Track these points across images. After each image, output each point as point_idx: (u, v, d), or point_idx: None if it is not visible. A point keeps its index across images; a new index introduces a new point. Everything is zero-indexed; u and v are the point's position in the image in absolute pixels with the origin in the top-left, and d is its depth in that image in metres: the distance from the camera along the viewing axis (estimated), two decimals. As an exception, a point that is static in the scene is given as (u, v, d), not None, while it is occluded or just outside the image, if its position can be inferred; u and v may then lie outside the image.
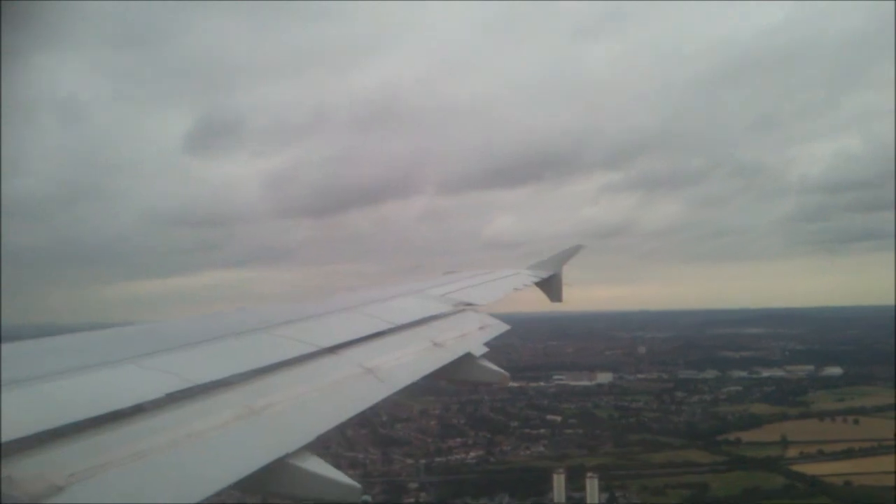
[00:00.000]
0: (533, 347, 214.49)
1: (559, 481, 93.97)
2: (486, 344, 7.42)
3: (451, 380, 6.81)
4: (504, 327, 8.38)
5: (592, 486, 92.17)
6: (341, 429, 4.43)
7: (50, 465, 2.98)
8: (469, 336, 7.44)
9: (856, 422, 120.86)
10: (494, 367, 6.76)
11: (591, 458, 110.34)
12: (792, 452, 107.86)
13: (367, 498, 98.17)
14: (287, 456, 3.75)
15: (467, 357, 6.68)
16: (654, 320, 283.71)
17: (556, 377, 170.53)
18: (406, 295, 8.92)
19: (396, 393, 5.22)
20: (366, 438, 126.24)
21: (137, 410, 3.64)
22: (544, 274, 14.96)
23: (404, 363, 5.91)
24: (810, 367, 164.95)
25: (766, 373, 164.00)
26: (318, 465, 3.88)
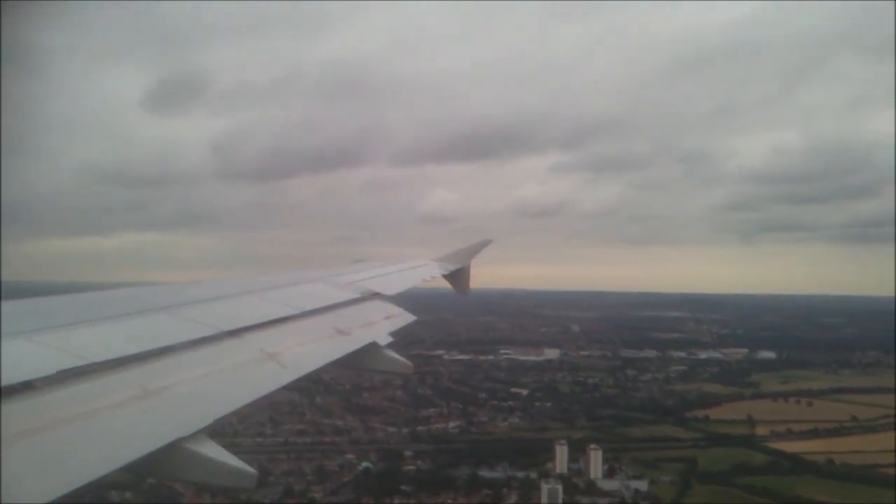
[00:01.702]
0: (466, 322, 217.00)
1: (561, 452, 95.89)
2: (392, 333, 7.30)
3: (355, 368, 6.75)
4: (410, 318, 8.27)
5: (596, 457, 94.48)
6: (239, 413, 4.28)
7: None
8: (375, 325, 7.41)
9: (809, 404, 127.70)
10: (398, 357, 6.73)
11: (570, 431, 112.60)
12: (762, 430, 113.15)
13: (368, 465, 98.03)
14: (182, 439, 3.61)
15: (372, 346, 6.64)
16: (578, 301, 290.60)
17: (502, 352, 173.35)
18: (313, 281, 8.91)
19: (298, 380, 5.08)
20: (338, 406, 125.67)
21: (27, 387, 3.55)
22: (452, 267, 15.00)
23: (308, 350, 5.84)
24: (744, 351, 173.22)
25: (703, 354, 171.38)
26: (213, 450, 3.71)
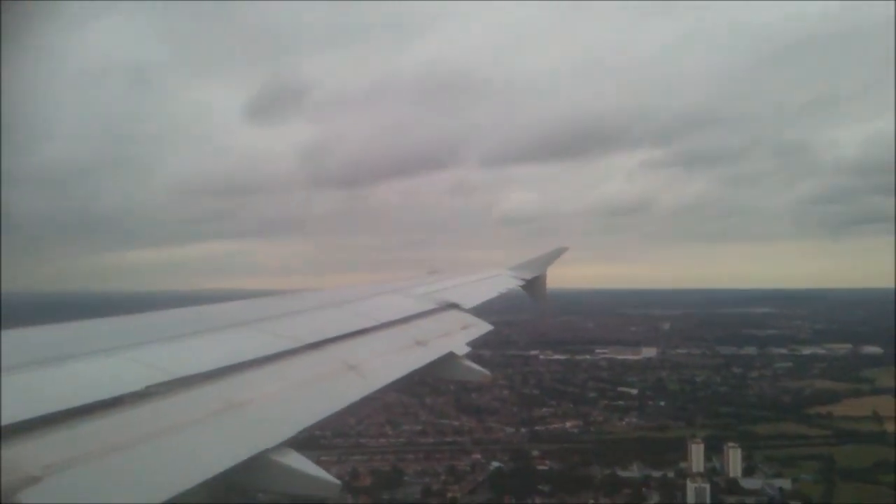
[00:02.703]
0: (550, 322, 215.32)
1: (697, 451, 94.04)
2: (469, 343, 7.40)
3: (433, 378, 6.80)
4: (487, 327, 8.38)
5: (735, 455, 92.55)
6: (322, 425, 4.38)
7: (26, 456, 2.96)
8: (452, 335, 7.52)
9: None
10: (476, 367, 6.81)
11: (690, 429, 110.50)
12: (893, 427, 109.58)
13: (499, 464, 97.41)
14: (267, 451, 3.69)
15: (449, 356, 6.74)
16: (659, 299, 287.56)
17: (598, 351, 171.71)
18: (390, 293, 9.13)
19: (378, 391, 5.20)
20: (449, 406, 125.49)
21: (117, 402, 3.61)
22: (528, 275, 14.87)
23: (387, 361, 5.96)
24: (848, 346, 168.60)
25: (805, 350, 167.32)
26: (298, 461, 3.78)
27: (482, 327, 8.39)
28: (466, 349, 7.25)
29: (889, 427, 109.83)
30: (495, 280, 13.39)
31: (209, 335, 5.30)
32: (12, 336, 4.43)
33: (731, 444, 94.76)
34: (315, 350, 5.48)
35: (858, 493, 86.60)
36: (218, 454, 3.54)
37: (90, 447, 3.15)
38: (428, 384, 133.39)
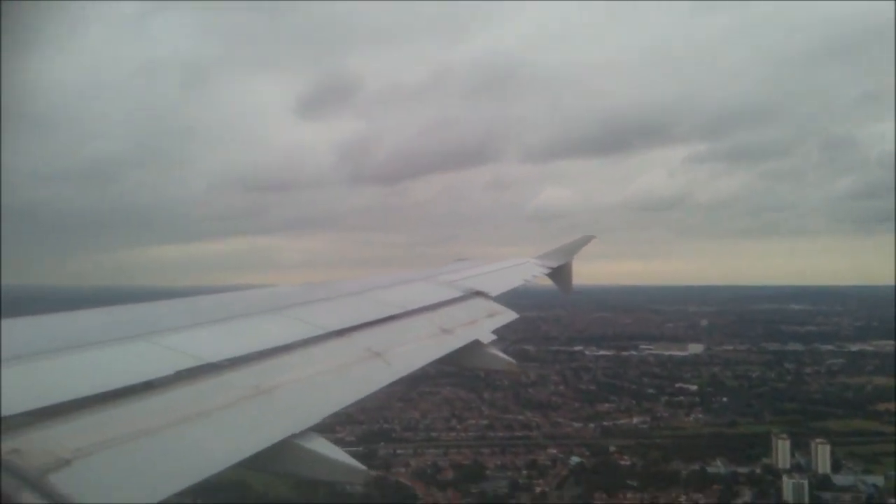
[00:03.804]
0: (585, 318, 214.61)
1: (783, 447, 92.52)
2: (495, 332, 7.37)
3: (459, 366, 6.72)
4: (512, 315, 8.29)
5: (823, 451, 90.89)
6: (347, 411, 4.42)
7: (57, 439, 3.03)
8: (477, 323, 7.48)
9: None
10: (502, 356, 6.78)
11: (760, 426, 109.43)
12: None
13: (580, 459, 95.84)
14: (293, 436, 3.76)
15: (475, 344, 6.71)
16: (691, 295, 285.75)
17: (643, 347, 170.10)
18: (416, 281, 9.07)
19: (404, 378, 5.20)
20: (510, 401, 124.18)
21: (147, 388, 3.67)
22: (554, 264, 14.74)
23: (412, 348, 5.95)
24: (893, 342, 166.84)
25: (853, 347, 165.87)
26: (324, 447, 3.86)
27: (508, 315, 8.30)
28: (492, 337, 7.20)
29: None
30: (522, 268, 13.27)
31: (236, 322, 5.32)
32: (45, 321, 4.53)
33: (819, 440, 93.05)
34: (341, 337, 5.51)
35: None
36: (246, 439, 3.57)
37: (120, 431, 3.17)
38: (482, 379, 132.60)
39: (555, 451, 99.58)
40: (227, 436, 3.60)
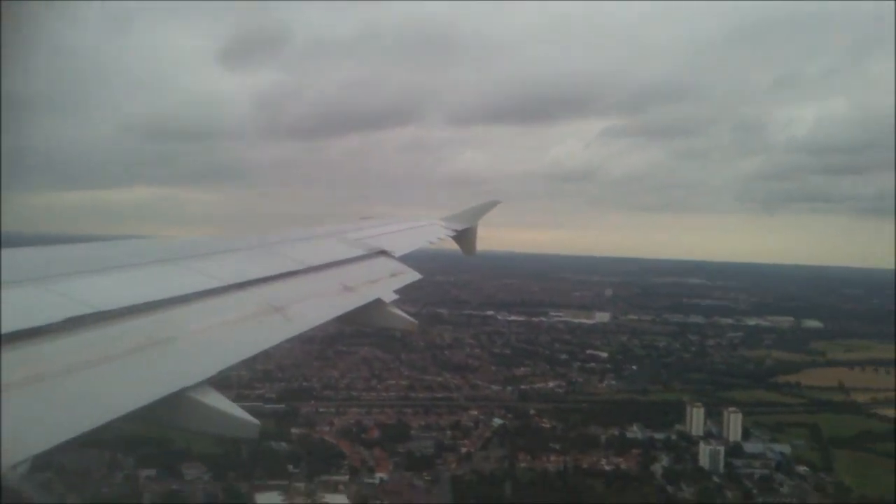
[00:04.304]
0: (495, 284, 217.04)
1: (698, 414, 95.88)
2: (397, 291, 7.47)
3: (359, 324, 6.87)
4: (416, 276, 8.40)
5: (735, 420, 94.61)
6: (245, 365, 4.42)
7: None
8: (380, 282, 7.56)
9: (888, 372, 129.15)
10: (403, 315, 6.82)
11: (669, 394, 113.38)
12: (861, 398, 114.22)
13: (502, 421, 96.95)
14: (186, 389, 3.71)
15: (377, 303, 6.73)
16: (595, 266, 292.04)
17: (553, 314, 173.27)
18: (320, 237, 9.09)
19: (302, 333, 5.22)
20: (429, 362, 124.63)
21: (34, 333, 3.60)
22: (459, 226, 14.95)
23: (313, 304, 5.97)
24: (790, 319, 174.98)
25: (750, 321, 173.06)
26: (217, 400, 3.82)
27: (411, 275, 8.26)
28: (394, 296, 7.15)
29: (857, 397, 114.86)
30: (427, 229, 13.21)
31: (132, 270, 5.15)
32: None
33: (732, 409, 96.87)
34: (240, 290, 5.37)
35: (856, 461, 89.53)
36: (138, 390, 3.47)
37: (7, 378, 3.03)
38: (398, 340, 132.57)
39: (476, 412, 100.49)
40: (118, 386, 3.49)
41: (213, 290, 5.12)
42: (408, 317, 6.78)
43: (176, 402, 3.59)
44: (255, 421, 3.85)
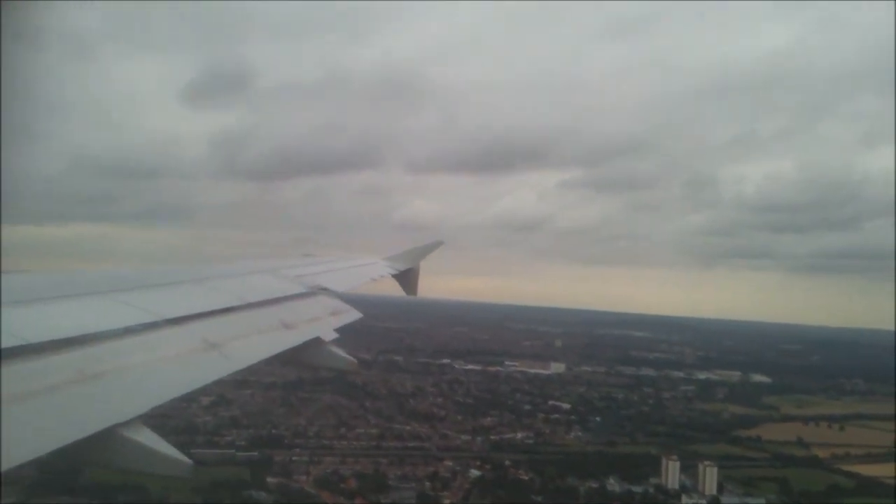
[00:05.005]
0: (445, 332, 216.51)
1: (673, 468, 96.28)
2: (337, 329, 7.49)
3: (299, 363, 6.72)
4: (356, 315, 8.35)
5: (711, 474, 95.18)
6: (178, 402, 4.35)
7: None
8: (321, 320, 7.56)
9: (841, 428, 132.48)
10: (343, 354, 6.85)
11: (636, 446, 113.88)
12: (821, 453, 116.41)
13: (478, 472, 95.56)
14: (117, 426, 3.65)
15: (316, 341, 6.74)
16: (539, 316, 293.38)
17: (508, 363, 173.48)
18: (260, 273, 8.93)
19: (239, 371, 5.15)
20: (394, 411, 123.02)
21: None
22: (401, 266, 14.89)
23: (251, 341, 5.89)
24: (737, 373, 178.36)
25: (701, 375, 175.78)
26: (149, 438, 3.77)
27: (352, 314, 8.20)
28: (334, 335, 7.15)
29: (819, 453, 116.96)
30: (369, 267, 13.20)
31: (63, 303, 5.00)
32: None
33: (707, 462, 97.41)
34: (176, 325, 5.27)
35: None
36: (67, 425, 3.39)
37: None
38: (360, 387, 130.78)
39: (450, 463, 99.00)
40: (47, 421, 3.37)
41: (148, 325, 5.02)
42: (348, 356, 6.74)
43: (106, 440, 3.51)
44: (188, 460, 3.76)
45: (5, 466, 2.86)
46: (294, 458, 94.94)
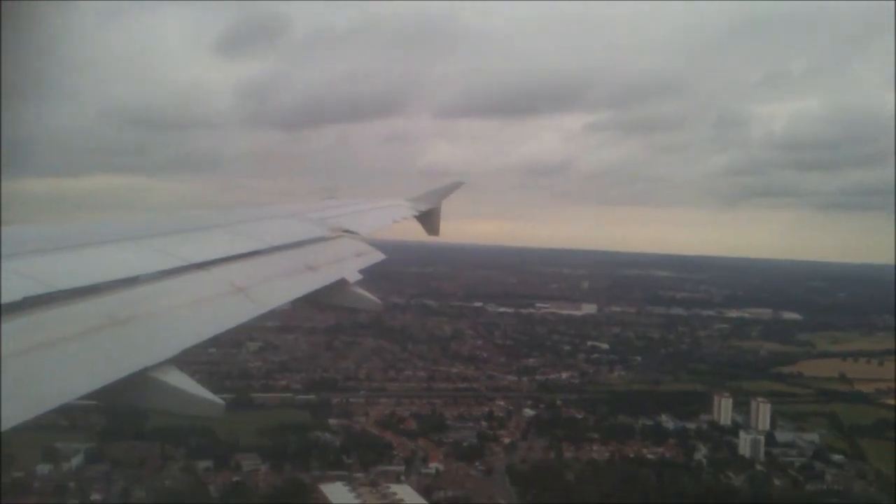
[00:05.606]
0: (470, 276, 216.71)
1: (725, 405, 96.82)
2: (361, 271, 7.49)
3: (324, 304, 6.82)
4: (380, 256, 8.38)
5: (764, 410, 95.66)
6: (207, 345, 4.44)
7: None
8: (345, 261, 7.61)
9: (880, 363, 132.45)
10: (368, 295, 6.88)
11: (680, 384, 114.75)
12: (865, 388, 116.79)
13: (532, 412, 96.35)
14: (148, 369, 3.70)
15: (341, 283, 6.77)
16: (563, 258, 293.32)
17: (539, 305, 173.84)
18: (284, 217, 9.02)
19: (266, 314, 5.22)
20: (437, 353, 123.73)
21: None
22: (423, 207, 14.83)
23: (276, 284, 5.98)
24: (768, 311, 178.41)
25: (731, 313, 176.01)
26: (180, 380, 3.83)
27: (375, 255, 8.21)
28: (358, 276, 7.15)
29: (862, 388, 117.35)
30: (392, 209, 13.09)
31: (92, 249, 5.09)
32: None
33: (760, 399, 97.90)
34: (202, 270, 5.33)
35: (878, 448, 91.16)
36: (99, 369, 3.44)
37: None
38: (400, 331, 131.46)
39: (502, 402, 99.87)
40: (78, 366, 3.43)
41: (175, 270, 5.06)
42: (372, 297, 6.75)
43: (138, 383, 3.56)
44: (220, 401, 3.82)
45: (39, 411, 2.90)
46: (351, 401, 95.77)
